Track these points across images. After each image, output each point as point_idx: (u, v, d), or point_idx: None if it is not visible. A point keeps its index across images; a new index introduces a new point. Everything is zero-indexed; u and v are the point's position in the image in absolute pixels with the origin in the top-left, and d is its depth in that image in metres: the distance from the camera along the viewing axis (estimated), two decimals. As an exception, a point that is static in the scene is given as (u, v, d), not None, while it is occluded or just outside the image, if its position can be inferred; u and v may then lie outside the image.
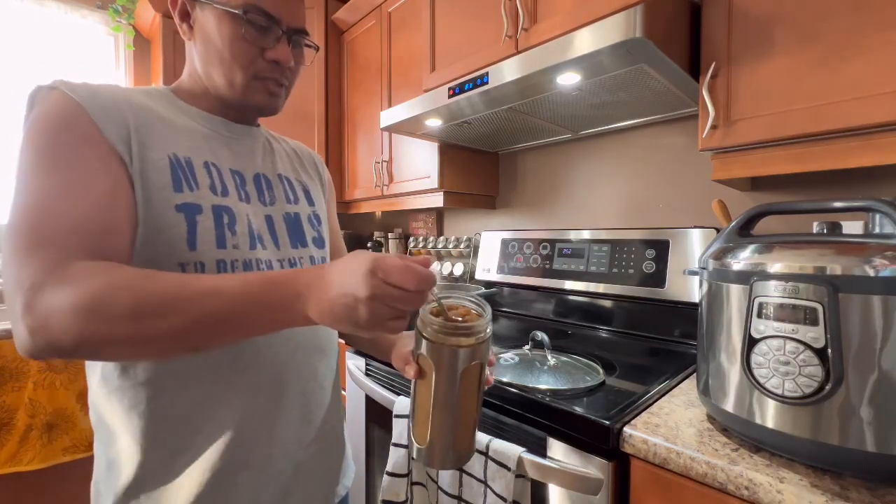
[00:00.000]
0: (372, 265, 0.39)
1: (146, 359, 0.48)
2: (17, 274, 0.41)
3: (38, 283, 0.40)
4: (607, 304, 1.28)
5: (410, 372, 0.49)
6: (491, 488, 0.76)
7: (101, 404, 0.54)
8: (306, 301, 0.42)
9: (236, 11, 0.55)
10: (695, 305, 1.09)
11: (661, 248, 1.17)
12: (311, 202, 0.73)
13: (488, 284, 1.62)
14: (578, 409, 0.72)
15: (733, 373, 0.61)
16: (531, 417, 0.78)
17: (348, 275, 0.40)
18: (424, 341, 0.47)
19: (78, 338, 0.39)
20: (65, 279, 0.40)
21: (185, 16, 0.58)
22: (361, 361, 1.21)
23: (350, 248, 1.06)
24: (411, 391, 0.52)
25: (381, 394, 1.05)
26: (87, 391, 0.57)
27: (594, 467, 0.68)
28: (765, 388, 0.57)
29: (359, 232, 2.52)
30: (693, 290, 1.09)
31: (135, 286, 0.41)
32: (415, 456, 0.52)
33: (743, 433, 0.61)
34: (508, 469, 0.74)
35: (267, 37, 0.57)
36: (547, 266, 1.42)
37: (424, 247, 1.98)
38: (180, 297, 0.41)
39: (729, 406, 0.62)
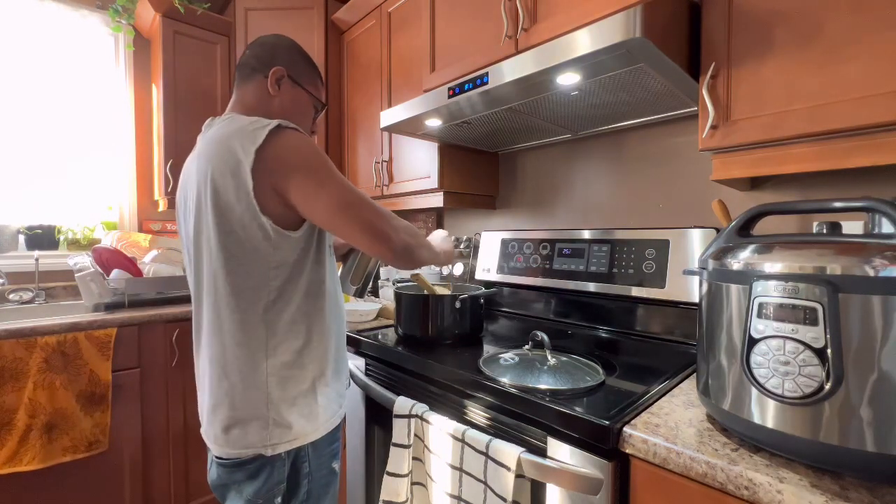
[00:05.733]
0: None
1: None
2: (384, 220, 0.78)
3: (395, 229, 0.79)
4: (607, 304, 1.28)
5: None
6: (491, 488, 0.76)
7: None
8: None
9: (315, 100, 0.95)
10: (695, 305, 1.09)
11: (661, 248, 1.17)
12: None
13: (488, 284, 1.61)
14: (578, 409, 0.72)
15: (733, 373, 0.61)
16: (531, 417, 0.78)
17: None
18: None
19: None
20: (401, 230, 0.81)
21: (279, 80, 0.88)
22: (361, 361, 1.21)
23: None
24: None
25: (382, 394, 1.05)
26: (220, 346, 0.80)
27: (594, 467, 0.68)
28: (764, 388, 0.57)
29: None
30: (693, 290, 1.09)
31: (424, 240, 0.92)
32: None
33: (743, 433, 0.61)
34: (508, 469, 0.74)
35: (316, 118, 0.99)
36: (547, 266, 1.42)
37: (424, 247, 1.98)
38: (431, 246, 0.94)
39: (729, 406, 0.62)
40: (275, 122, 0.75)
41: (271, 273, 0.78)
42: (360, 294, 1.12)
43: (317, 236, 0.84)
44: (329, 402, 0.86)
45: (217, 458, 0.82)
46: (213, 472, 0.84)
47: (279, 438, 0.79)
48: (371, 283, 1.14)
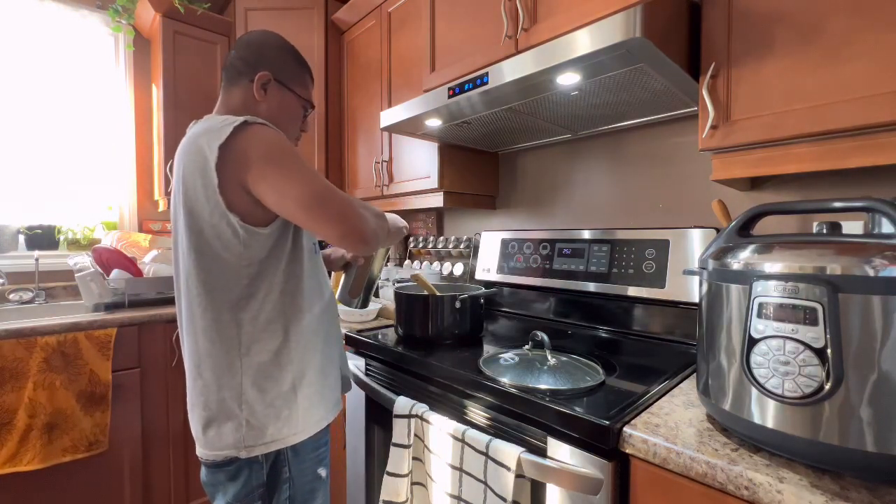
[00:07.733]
0: None
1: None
2: (349, 206, 0.75)
3: (364, 219, 0.76)
4: (607, 304, 1.28)
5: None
6: (491, 488, 0.76)
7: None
8: None
9: (304, 101, 0.93)
10: (695, 305, 1.09)
11: (661, 248, 1.17)
12: None
13: (488, 284, 1.61)
14: (578, 409, 0.72)
15: (733, 373, 0.61)
16: (531, 417, 0.78)
17: None
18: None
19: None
20: (366, 209, 0.80)
21: (265, 85, 0.86)
22: (361, 362, 1.21)
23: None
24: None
25: (382, 393, 1.05)
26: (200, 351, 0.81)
27: (594, 467, 0.68)
28: (764, 388, 0.57)
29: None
30: (693, 290, 1.09)
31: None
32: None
33: (743, 433, 0.61)
34: (508, 469, 0.74)
35: (306, 119, 0.96)
36: (547, 266, 1.42)
37: (424, 247, 1.98)
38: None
39: (729, 406, 0.62)
40: (241, 119, 0.74)
41: (242, 271, 0.77)
42: (362, 305, 1.10)
43: (292, 233, 0.82)
44: (312, 406, 0.83)
45: (200, 457, 0.82)
46: (202, 471, 0.84)
47: (254, 441, 0.77)
48: (373, 292, 1.12)
